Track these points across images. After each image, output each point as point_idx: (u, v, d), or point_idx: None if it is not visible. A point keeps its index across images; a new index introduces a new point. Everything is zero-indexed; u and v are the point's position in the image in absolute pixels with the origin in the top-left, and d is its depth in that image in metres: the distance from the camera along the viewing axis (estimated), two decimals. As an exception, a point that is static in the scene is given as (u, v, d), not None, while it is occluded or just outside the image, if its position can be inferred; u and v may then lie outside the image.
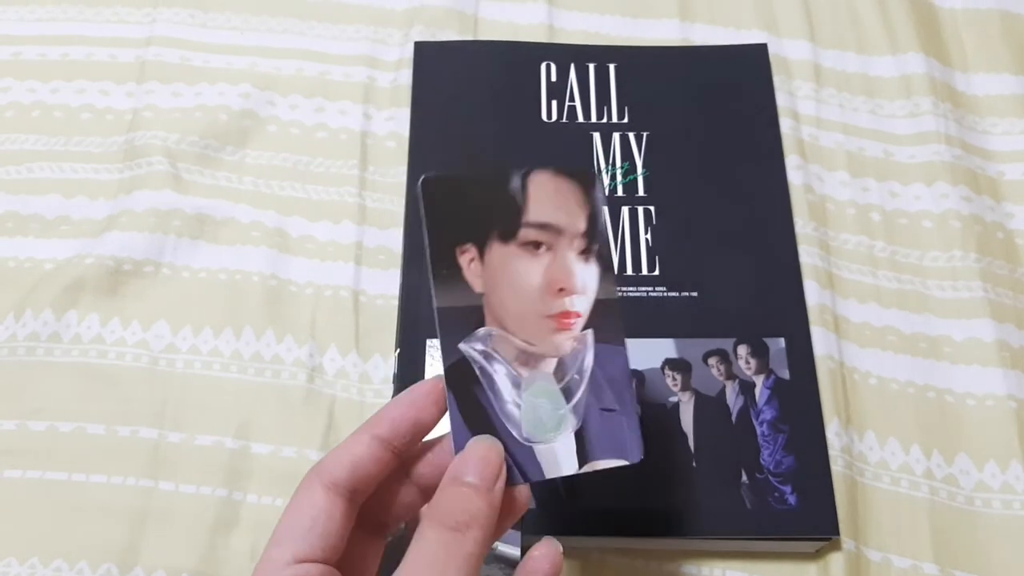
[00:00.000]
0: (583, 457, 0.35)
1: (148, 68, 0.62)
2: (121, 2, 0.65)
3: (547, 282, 0.36)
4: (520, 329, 0.36)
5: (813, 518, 0.47)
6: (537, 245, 0.36)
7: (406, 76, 0.61)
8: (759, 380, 0.50)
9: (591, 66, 0.60)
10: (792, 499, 0.47)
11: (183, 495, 0.49)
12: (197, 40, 0.64)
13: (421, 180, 0.35)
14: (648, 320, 0.52)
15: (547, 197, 0.37)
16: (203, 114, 0.60)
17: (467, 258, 0.35)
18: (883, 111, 0.61)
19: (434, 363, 0.50)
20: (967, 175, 0.58)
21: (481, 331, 0.35)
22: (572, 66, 0.60)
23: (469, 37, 0.64)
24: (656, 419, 0.49)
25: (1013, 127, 0.60)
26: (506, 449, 0.34)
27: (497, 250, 0.36)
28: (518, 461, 0.34)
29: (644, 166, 0.57)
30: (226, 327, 0.54)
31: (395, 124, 0.60)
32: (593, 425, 0.36)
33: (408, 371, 0.51)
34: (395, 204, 0.57)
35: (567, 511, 0.47)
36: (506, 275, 0.36)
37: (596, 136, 0.58)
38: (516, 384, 0.35)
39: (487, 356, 0.35)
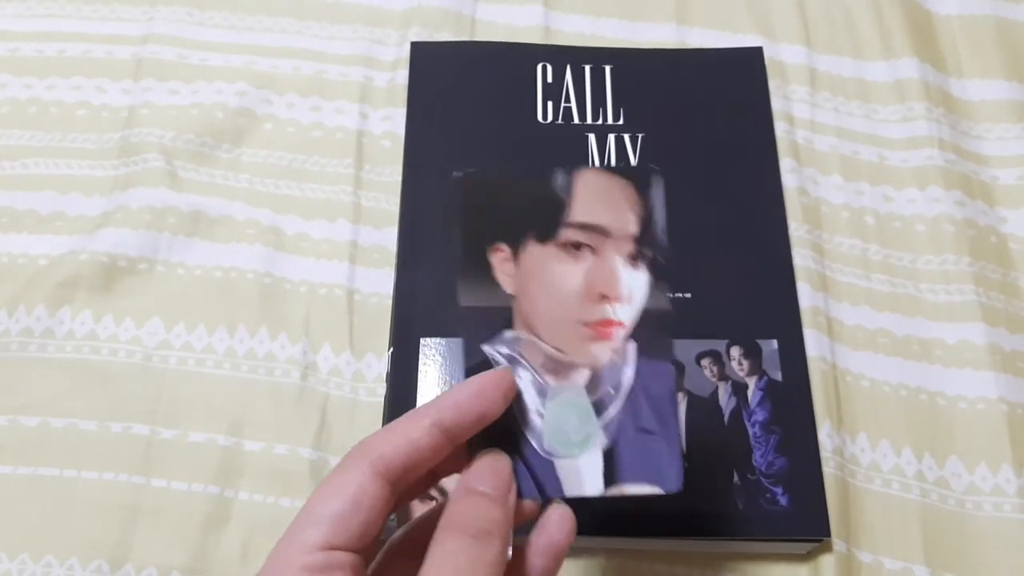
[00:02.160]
0: (611, 479, 0.33)
1: (145, 65, 0.62)
2: (118, -1, 0.66)
3: (587, 286, 0.34)
4: (551, 335, 0.34)
5: (804, 519, 0.47)
6: (578, 246, 0.34)
7: (402, 76, 0.62)
8: (752, 381, 0.50)
9: (587, 67, 0.60)
10: (784, 500, 0.47)
11: (175, 492, 0.49)
12: (194, 38, 0.64)
13: (460, 176, 0.34)
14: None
15: (594, 196, 0.34)
16: (199, 112, 0.60)
17: (500, 257, 0.34)
18: (877, 115, 0.62)
19: (428, 362, 0.51)
20: (961, 179, 0.58)
21: (508, 334, 0.33)
22: (568, 67, 0.60)
23: (466, 38, 0.64)
24: (649, 419, 0.49)
25: (1007, 132, 0.61)
26: (524, 461, 0.32)
27: (533, 250, 0.34)
28: (536, 475, 0.33)
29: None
30: (220, 324, 0.54)
31: (391, 124, 0.60)
32: (626, 446, 0.33)
33: (402, 370, 0.51)
34: (390, 203, 0.57)
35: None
36: (541, 277, 0.34)
37: (591, 137, 0.58)
38: (542, 393, 0.33)
39: (512, 360, 0.33)
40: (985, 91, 0.63)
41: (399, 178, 0.57)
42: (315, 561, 0.29)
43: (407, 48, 0.62)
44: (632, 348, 0.34)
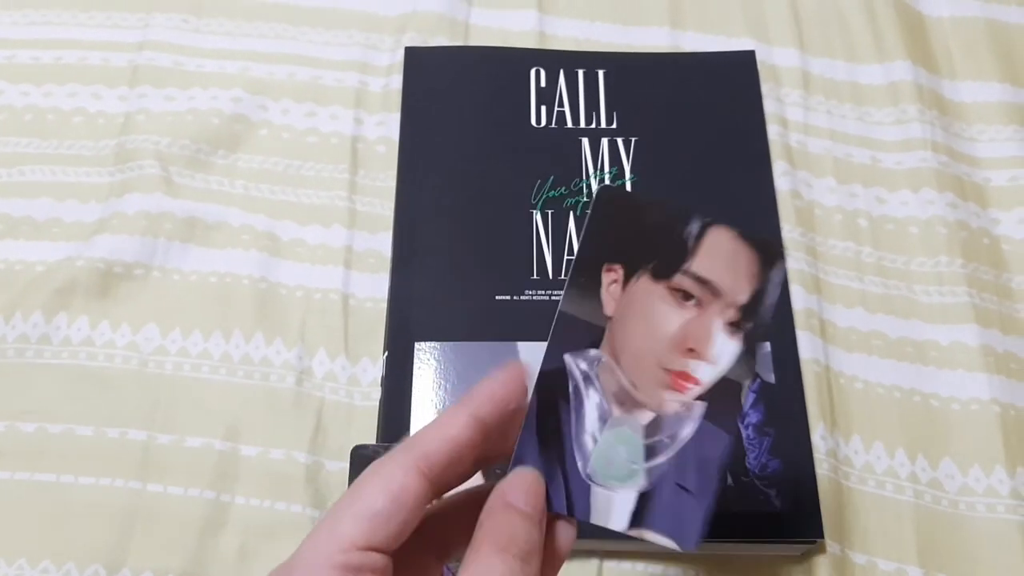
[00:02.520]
0: (637, 520, 0.33)
1: (141, 72, 0.63)
2: (115, 7, 0.66)
3: (681, 336, 0.34)
4: (632, 369, 0.34)
5: (798, 521, 0.47)
6: (688, 296, 0.34)
7: (397, 81, 0.62)
8: (745, 384, 0.50)
9: (580, 72, 0.60)
10: (778, 502, 0.47)
11: (171, 497, 0.49)
12: (190, 45, 0.64)
13: (600, 187, 0.35)
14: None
15: (720, 254, 0.34)
16: (195, 118, 0.61)
17: (610, 278, 0.34)
18: (870, 118, 0.62)
19: (422, 366, 0.51)
20: (953, 181, 0.58)
21: (592, 352, 0.34)
22: (561, 72, 0.60)
23: (460, 43, 0.64)
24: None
25: (999, 134, 0.61)
26: (564, 477, 0.33)
27: (644, 283, 0.34)
28: (571, 493, 0.33)
29: (632, 171, 0.57)
30: (215, 330, 0.54)
31: (385, 129, 0.61)
32: (662, 495, 0.33)
33: (396, 374, 0.51)
34: (385, 208, 0.58)
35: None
36: (643, 311, 0.34)
37: (585, 141, 0.58)
38: (603, 418, 0.34)
39: (587, 378, 0.34)
40: (977, 93, 0.63)
41: (394, 183, 0.58)
42: (350, 561, 0.28)
43: (401, 53, 0.62)
44: (700, 408, 0.34)
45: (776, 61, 0.63)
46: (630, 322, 0.34)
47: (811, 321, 0.53)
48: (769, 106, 0.60)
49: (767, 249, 0.35)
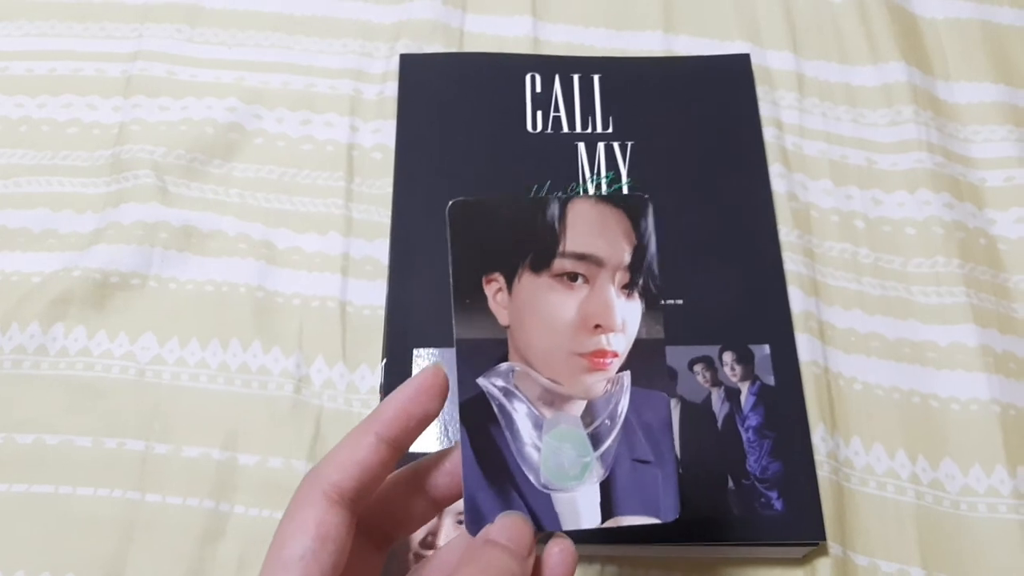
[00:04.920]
0: (608, 511, 0.33)
1: (135, 82, 0.63)
2: (108, 17, 0.66)
3: (582, 317, 0.34)
4: (547, 367, 0.33)
5: (800, 523, 0.47)
6: (573, 277, 0.34)
7: (392, 88, 0.62)
8: (744, 387, 0.50)
9: (575, 77, 0.60)
10: (778, 505, 0.47)
11: (170, 507, 0.49)
12: (184, 54, 0.64)
13: (450, 204, 0.33)
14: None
15: (588, 226, 0.34)
16: (190, 127, 0.60)
17: (493, 288, 0.33)
18: (865, 120, 0.62)
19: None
20: (949, 182, 0.59)
21: (503, 366, 0.33)
22: (557, 77, 0.60)
23: (455, 50, 0.64)
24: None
25: (994, 134, 0.61)
26: (521, 495, 0.32)
27: (527, 281, 0.34)
28: (533, 509, 0.32)
29: (629, 175, 0.57)
30: (213, 339, 0.54)
31: (381, 136, 0.61)
32: (622, 477, 0.33)
33: (395, 381, 0.51)
34: (381, 215, 0.58)
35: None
36: (535, 308, 0.33)
37: (581, 146, 0.58)
38: (537, 425, 0.33)
39: (507, 393, 0.33)
40: (972, 94, 0.63)
41: (390, 190, 0.58)
42: None
43: (396, 61, 0.62)
44: (626, 378, 0.34)
45: (770, 64, 0.64)
46: (528, 323, 0.33)
47: (810, 323, 0.53)
48: (764, 109, 0.60)
49: (631, 203, 0.35)
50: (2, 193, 0.59)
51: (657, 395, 0.34)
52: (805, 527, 0.47)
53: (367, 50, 0.65)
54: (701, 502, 0.47)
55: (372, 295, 0.55)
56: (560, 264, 0.34)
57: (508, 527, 0.31)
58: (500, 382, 0.33)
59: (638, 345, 0.34)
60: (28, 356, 0.53)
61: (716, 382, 0.50)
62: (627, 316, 0.34)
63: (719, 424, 0.49)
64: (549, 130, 0.59)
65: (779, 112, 0.61)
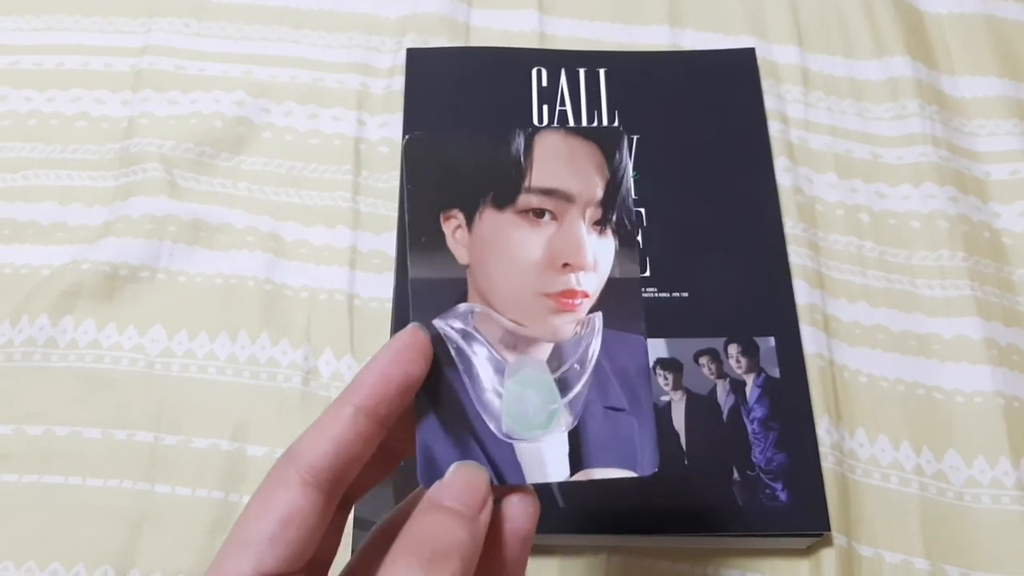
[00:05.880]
0: (576, 463, 0.31)
1: (143, 76, 0.63)
2: (116, 12, 0.66)
3: (549, 255, 0.31)
4: (509, 308, 0.31)
5: (804, 514, 0.47)
6: (540, 213, 0.32)
7: (399, 83, 0.62)
8: (750, 379, 0.51)
9: (581, 71, 0.61)
10: (783, 496, 0.48)
11: (179, 497, 0.49)
12: (192, 49, 0.64)
13: (406, 139, 0.31)
14: (640, 320, 0.52)
15: (557, 159, 0.32)
16: (198, 121, 0.61)
17: (452, 225, 0.31)
18: (870, 114, 0.62)
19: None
20: (954, 176, 0.59)
21: (462, 307, 0.31)
22: (563, 71, 0.61)
23: (461, 44, 0.64)
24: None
25: (998, 128, 0.61)
26: (481, 445, 0.30)
27: (490, 217, 0.31)
28: (494, 460, 0.30)
29: (635, 169, 0.57)
30: (222, 331, 0.54)
31: (388, 130, 0.61)
32: (594, 426, 0.31)
33: (402, 373, 0.51)
34: (388, 209, 0.58)
35: (559, 508, 0.47)
36: (498, 246, 0.31)
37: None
38: (499, 370, 0.30)
39: (466, 335, 0.31)
40: (976, 88, 0.63)
41: (397, 183, 0.58)
42: None
43: (403, 55, 0.63)
44: (598, 319, 0.31)
45: (776, 58, 0.64)
46: (490, 262, 0.31)
47: (815, 316, 0.53)
48: (769, 103, 0.61)
49: (603, 135, 0.32)
50: (11, 186, 0.59)
51: (633, 338, 0.31)
52: (810, 518, 0.47)
53: (374, 44, 0.65)
54: (706, 493, 0.48)
55: (380, 288, 0.56)
56: (526, 199, 0.32)
57: (458, 483, 0.29)
58: (458, 324, 0.31)
59: (612, 284, 0.31)
60: (38, 348, 0.53)
61: (721, 374, 0.51)
62: (599, 254, 0.32)
63: (724, 416, 0.50)
64: (555, 124, 0.59)
65: (784, 106, 0.61)
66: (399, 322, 0.53)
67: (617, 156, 0.32)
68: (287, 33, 0.65)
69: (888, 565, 0.48)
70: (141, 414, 0.52)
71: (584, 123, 0.59)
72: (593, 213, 0.32)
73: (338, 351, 0.54)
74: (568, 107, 0.59)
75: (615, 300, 0.31)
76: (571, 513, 0.47)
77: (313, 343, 0.54)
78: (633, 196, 0.33)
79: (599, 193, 0.32)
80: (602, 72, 0.61)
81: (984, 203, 0.59)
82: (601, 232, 0.32)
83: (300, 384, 0.52)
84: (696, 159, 0.58)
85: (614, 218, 0.32)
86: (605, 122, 0.59)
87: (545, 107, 0.59)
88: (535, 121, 0.59)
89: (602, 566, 0.48)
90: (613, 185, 0.32)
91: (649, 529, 0.47)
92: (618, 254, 0.32)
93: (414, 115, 0.60)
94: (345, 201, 0.58)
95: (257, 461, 0.50)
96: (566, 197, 0.32)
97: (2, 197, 0.59)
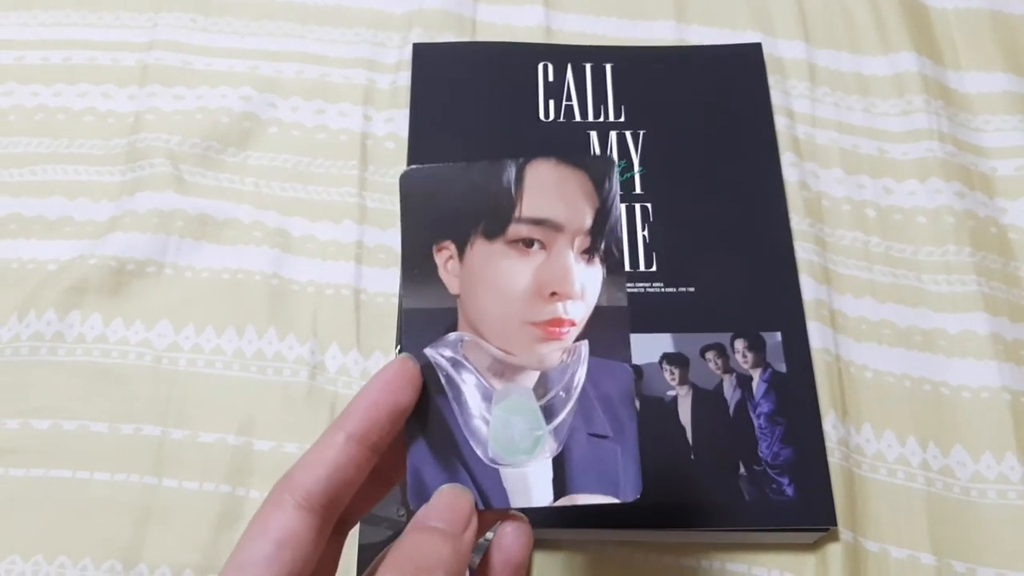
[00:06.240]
0: (560, 488, 0.31)
1: (150, 71, 0.63)
2: (123, 7, 0.66)
3: (537, 284, 0.32)
4: (498, 336, 0.32)
5: (811, 509, 0.47)
6: (529, 243, 0.32)
7: (405, 78, 0.62)
8: (756, 374, 0.51)
9: (588, 66, 0.61)
10: (790, 491, 0.48)
11: (186, 492, 0.50)
12: (198, 44, 0.64)
13: (402, 173, 0.32)
14: (646, 315, 0.52)
15: (547, 189, 0.32)
16: (205, 116, 0.61)
17: (444, 256, 0.32)
18: (876, 109, 0.62)
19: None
20: (960, 171, 0.59)
21: (452, 336, 0.32)
22: (569, 66, 0.61)
23: (467, 39, 0.64)
24: (654, 413, 0.49)
25: (1005, 124, 0.61)
26: (468, 470, 0.31)
27: (480, 248, 0.32)
28: (480, 485, 0.31)
29: (641, 164, 0.57)
30: (228, 326, 0.54)
31: (394, 125, 0.61)
32: (578, 452, 0.31)
33: (409, 367, 0.51)
34: (395, 204, 0.58)
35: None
36: (487, 275, 0.32)
37: (593, 135, 0.58)
38: (487, 397, 0.31)
39: (455, 364, 0.32)
40: (982, 83, 0.63)
41: (403, 178, 0.58)
42: None
43: (409, 50, 0.63)
44: (584, 348, 0.32)
45: (782, 53, 0.64)
46: (479, 291, 0.32)
47: (821, 311, 0.53)
48: (776, 98, 0.61)
49: (593, 165, 0.33)
50: (18, 181, 0.59)
51: (618, 366, 0.32)
52: (816, 513, 0.47)
53: (380, 39, 0.65)
54: (713, 488, 0.48)
55: (386, 283, 0.56)
56: (515, 230, 0.32)
57: (442, 505, 0.30)
58: (448, 352, 0.32)
59: (598, 313, 0.32)
60: (45, 343, 0.53)
61: (728, 369, 0.51)
62: (586, 283, 0.32)
63: (731, 411, 0.50)
64: (561, 119, 0.59)
65: (790, 101, 0.61)
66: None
67: (606, 184, 0.32)
68: (293, 28, 0.65)
69: (894, 560, 0.48)
70: (148, 408, 0.52)
71: (590, 118, 0.59)
72: (582, 242, 0.32)
73: (344, 346, 0.54)
74: (574, 102, 0.59)
75: (601, 328, 0.32)
76: (577, 510, 0.47)
77: (319, 338, 0.54)
78: (620, 224, 0.33)
79: (588, 222, 0.32)
80: (608, 67, 0.61)
81: (990, 198, 0.59)
82: (589, 260, 0.32)
83: (307, 379, 0.52)
84: (702, 154, 0.58)
85: (602, 247, 0.32)
86: (612, 117, 0.59)
87: (551, 102, 0.59)
88: (541, 116, 0.59)
89: (607, 560, 0.48)
90: (602, 214, 0.32)
91: (655, 524, 0.47)
92: (605, 282, 0.32)
93: (420, 110, 0.60)
94: (351, 196, 0.58)
95: (264, 455, 0.51)
96: (555, 226, 0.32)
97: (9, 192, 0.59)
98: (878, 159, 0.60)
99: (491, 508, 0.31)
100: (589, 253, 0.32)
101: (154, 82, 0.62)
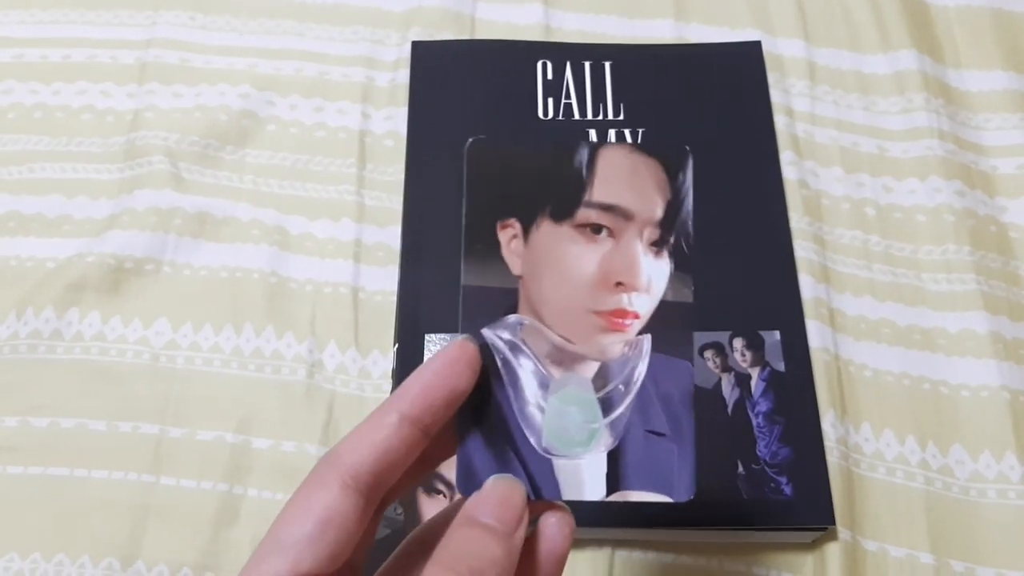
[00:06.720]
0: (614, 483, 0.30)
1: (149, 69, 0.63)
2: (122, 5, 0.66)
3: (603, 273, 0.31)
4: (559, 323, 0.31)
5: (809, 509, 0.47)
6: (597, 229, 0.31)
7: (403, 76, 0.62)
8: (755, 372, 0.50)
9: (587, 64, 0.61)
10: (788, 490, 0.47)
11: (184, 490, 0.50)
12: (197, 42, 0.64)
13: (469, 142, 0.31)
14: (645, 314, 0.52)
15: (619, 176, 0.31)
16: (203, 114, 0.61)
17: (508, 234, 0.31)
18: (876, 107, 0.62)
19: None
20: (960, 170, 0.59)
21: (511, 318, 0.31)
22: (568, 64, 0.61)
23: (466, 37, 0.64)
24: (653, 411, 0.49)
25: (1005, 122, 0.61)
26: (519, 459, 0.30)
27: (546, 230, 0.31)
28: (532, 474, 0.30)
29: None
30: (226, 324, 0.54)
31: (393, 123, 0.61)
32: (633, 448, 0.30)
33: (407, 366, 0.51)
34: (393, 202, 0.58)
35: (564, 501, 0.47)
36: (553, 259, 0.31)
37: (592, 133, 0.58)
38: (544, 385, 0.30)
39: (513, 347, 0.31)
40: (983, 82, 0.63)
41: (402, 177, 0.58)
42: None
43: (408, 48, 0.63)
44: (647, 342, 0.31)
45: (781, 52, 0.64)
46: (543, 274, 0.31)
47: (820, 310, 0.53)
48: (775, 96, 0.60)
49: (669, 153, 0.32)
50: (17, 179, 0.59)
51: (681, 363, 0.31)
52: (815, 512, 0.47)
53: (379, 37, 0.65)
54: (711, 487, 0.48)
55: (384, 281, 0.56)
56: (584, 214, 0.31)
57: (495, 498, 0.29)
58: (506, 335, 0.31)
59: (663, 308, 0.31)
60: (43, 341, 0.53)
61: (726, 368, 0.51)
62: (653, 275, 0.31)
63: (729, 409, 0.50)
64: (560, 117, 0.59)
65: (790, 100, 0.61)
66: (403, 316, 0.53)
67: (680, 176, 0.32)
68: (292, 26, 0.65)
69: (893, 559, 0.48)
70: (146, 406, 0.52)
71: (589, 116, 0.59)
72: (651, 233, 0.31)
73: (342, 344, 0.54)
74: (573, 100, 0.59)
75: (665, 324, 0.31)
76: (576, 506, 0.47)
77: (318, 336, 0.54)
78: (692, 218, 0.32)
79: (659, 213, 0.32)
80: (607, 65, 0.61)
81: (990, 197, 0.59)
82: (657, 253, 0.31)
83: (305, 377, 0.52)
84: (701, 153, 0.57)
85: (672, 240, 0.32)
86: (611, 115, 0.59)
87: (550, 100, 0.59)
88: (540, 115, 0.59)
89: (607, 559, 0.48)
90: (674, 206, 0.32)
91: (654, 523, 0.47)
92: (672, 277, 0.31)
93: (419, 108, 0.59)
94: (350, 194, 0.58)
95: (262, 453, 0.51)
96: (625, 214, 0.31)
97: (8, 190, 0.59)
98: (878, 157, 0.60)
99: (542, 499, 0.30)
100: (658, 245, 0.31)
101: (153, 80, 0.62)
